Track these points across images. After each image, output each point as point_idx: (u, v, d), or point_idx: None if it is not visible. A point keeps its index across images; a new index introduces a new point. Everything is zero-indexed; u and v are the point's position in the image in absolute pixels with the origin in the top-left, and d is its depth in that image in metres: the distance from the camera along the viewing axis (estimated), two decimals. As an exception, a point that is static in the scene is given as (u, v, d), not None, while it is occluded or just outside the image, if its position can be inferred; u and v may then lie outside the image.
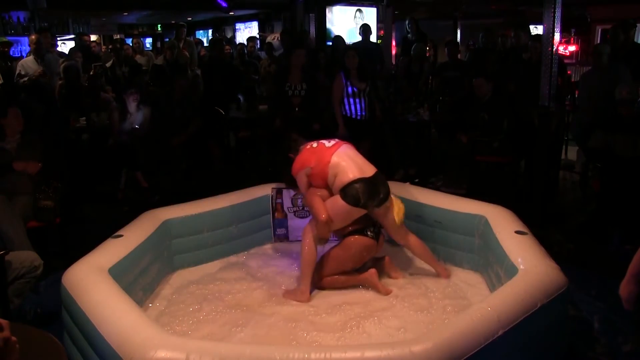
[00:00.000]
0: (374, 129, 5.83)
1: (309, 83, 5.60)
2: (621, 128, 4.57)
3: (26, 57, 7.35)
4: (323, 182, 3.42)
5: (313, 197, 3.39)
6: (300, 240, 3.45)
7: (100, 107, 6.12)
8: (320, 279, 3.41)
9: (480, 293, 3.27)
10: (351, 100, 5.60)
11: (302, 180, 3.52)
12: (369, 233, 3.43)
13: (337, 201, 3.31)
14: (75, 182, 5.33)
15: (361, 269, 3.46)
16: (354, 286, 3.40)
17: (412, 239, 3.58)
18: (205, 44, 11.43)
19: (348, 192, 3.27)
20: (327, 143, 3.54)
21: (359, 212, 3.33)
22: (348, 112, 5.58)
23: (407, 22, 8.41)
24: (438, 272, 3.56)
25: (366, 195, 3.27)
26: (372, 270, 3.38)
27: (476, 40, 8.98)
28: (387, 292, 3.31)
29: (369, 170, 3.40)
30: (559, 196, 5.74)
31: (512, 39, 8.00)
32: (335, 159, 3.39)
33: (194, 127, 6.13)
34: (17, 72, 6.40)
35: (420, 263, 3.73)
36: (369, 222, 3.46)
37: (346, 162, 3.38)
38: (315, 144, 3.55)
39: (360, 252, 3.40)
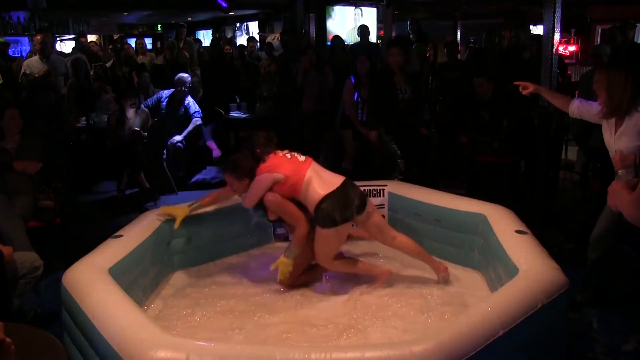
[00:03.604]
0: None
1: (414, 86, 5.16)
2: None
3: (27, 56, 7.36)
4: (291, 194, 3.36)
5: (286, 203, 3.35)
6: None
7: (102, 108, 6.13)
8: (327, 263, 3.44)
9: (480, 293, 3.26)
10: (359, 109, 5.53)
11: (264, 182, 3.33)
12: None
13: (321, 232, 3.27)
14: (75, 182, 5.33)
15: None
16: (353, 287, 3.38)
17: (401, 239, 3.52)
18: (206, 44, 11.41)
19: (320, 215, 3.25)
20: (299, 157, 3.48)
21: (345, 229, 3.33)
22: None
23: (408, 22, 8.40)
24: (434, 267, 3.49)
25: (338, 209, 3.23)
26: (387, 270, 3.48)
27: (477, 38, 8.97)
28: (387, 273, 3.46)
29: (336, 181, 3.34)
30: (559, 196, 5.74)
31: (509, 39, 7.99)
32: (309, 174, 3.36)
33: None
34: (22, 71, 6.41)
35: (415, 264, 3.71)
36: None
37: (315, 178, 3.35)
38: (288, 155, 3.48)
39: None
